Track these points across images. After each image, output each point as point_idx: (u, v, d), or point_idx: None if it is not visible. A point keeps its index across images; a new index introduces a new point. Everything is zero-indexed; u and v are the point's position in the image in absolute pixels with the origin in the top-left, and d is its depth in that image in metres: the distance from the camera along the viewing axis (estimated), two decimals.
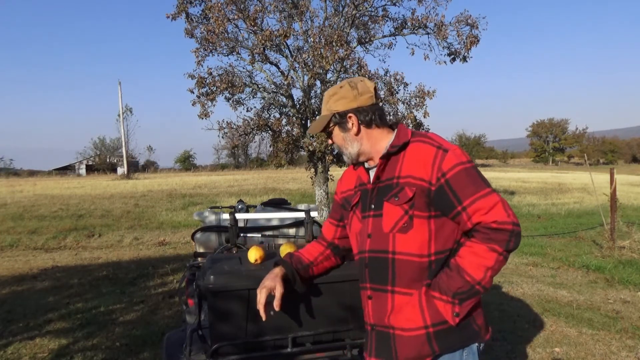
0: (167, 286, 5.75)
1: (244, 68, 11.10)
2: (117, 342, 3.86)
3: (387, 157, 1.46)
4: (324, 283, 1.68)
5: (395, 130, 1.52)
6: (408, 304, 1.40)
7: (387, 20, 11.48)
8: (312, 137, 10.69)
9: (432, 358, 1.39)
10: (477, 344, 1.44)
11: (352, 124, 1.50)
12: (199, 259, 2.65)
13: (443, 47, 11.24)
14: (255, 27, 10.21)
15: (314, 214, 2.55)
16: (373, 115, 1.50)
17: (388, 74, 11.63)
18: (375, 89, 1.53)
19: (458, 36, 10.89)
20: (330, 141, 1.60)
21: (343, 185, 1.67)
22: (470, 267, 1.33)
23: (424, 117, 11.16)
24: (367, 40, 11.57)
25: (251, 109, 11.63)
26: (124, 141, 38.61)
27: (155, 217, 12.16)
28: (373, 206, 1.47)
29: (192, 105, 10.60)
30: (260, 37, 9.80)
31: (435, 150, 1.38)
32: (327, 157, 10.98)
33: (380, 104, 1.58)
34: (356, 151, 1.52)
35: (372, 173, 1.53)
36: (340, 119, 1.51)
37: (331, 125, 1.53)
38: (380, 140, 1.51)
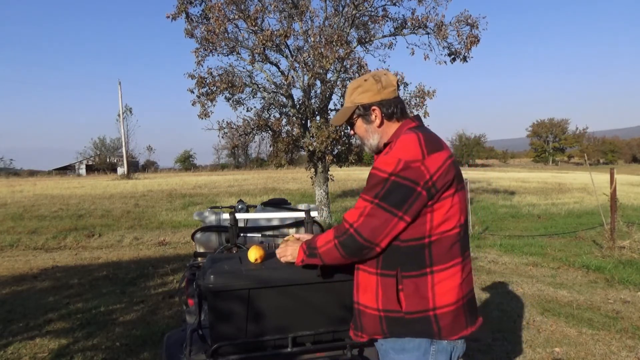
0: (167, 286, 5.75)
1: (244, 68, 11.10)
2: (117, 342, 3.86)
3: (378, 153, 1.61)
4: (324, 283, 1.68)
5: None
6: (370, 285, 1.52)
7: (387, 20, 11.46)
8: (312, 137, 10.69)
9: (382, 337, 1.52)
10: (446, 342, 1.48)
11: (376, 116, 1.60)
12: (199, 259, 2.64)
13: (443, 47, 11.23)
14: (256, 27, 10.21)
15: (314, 214, 2.55)
16: (395, 109, 1.60)
17: None
18: (397, 82, 1.63)
19: (458, 36, 10.88)
20: (352, 132, 1.70)
21: None
22: (321, 236, 1.56)
23: (424, 117, 11.16)
24: (367, 40, 11.55)
25: (251, 109, 11.62)
26: (124, 141, 38.61)
27: (155, 217, 12.15)
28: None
29: (192, 105, 10.60)
30: (260, 37, 9.80)
31: (385, 150, 1.51)
32: (327, 157, 10.97)
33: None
34: (377, 142, 1.63)
35: None
36: (365, 111, 1.60)
37: (354, 117, 1.63)
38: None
